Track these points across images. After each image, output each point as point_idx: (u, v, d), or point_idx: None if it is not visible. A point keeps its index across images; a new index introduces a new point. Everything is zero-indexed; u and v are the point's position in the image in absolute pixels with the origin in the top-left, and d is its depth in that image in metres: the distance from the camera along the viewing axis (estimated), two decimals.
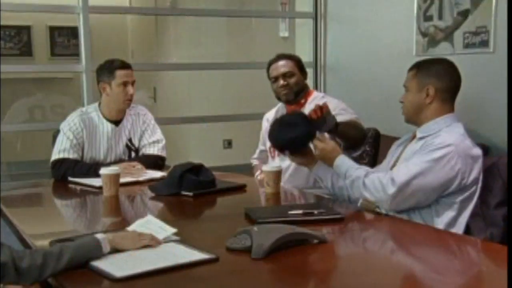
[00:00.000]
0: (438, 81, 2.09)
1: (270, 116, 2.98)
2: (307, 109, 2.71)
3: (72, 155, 2.82)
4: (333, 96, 2.87)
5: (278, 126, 2.32)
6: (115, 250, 1.55)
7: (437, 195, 1.98)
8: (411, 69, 2.18)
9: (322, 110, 2.26)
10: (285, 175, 2.70)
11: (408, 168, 1.97)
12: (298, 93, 2.80)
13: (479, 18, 3.01)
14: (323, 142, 2.19)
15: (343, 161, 2.13)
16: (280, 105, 2.95)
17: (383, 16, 3.65)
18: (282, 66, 2.82)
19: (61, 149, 2.83)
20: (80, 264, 1.47)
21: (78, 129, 2.86)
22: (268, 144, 2.88)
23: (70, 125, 2.87)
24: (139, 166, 2.77)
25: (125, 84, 2.86)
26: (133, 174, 2.69)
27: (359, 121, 2.67)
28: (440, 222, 1.96)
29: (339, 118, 2.57)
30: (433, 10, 3.26)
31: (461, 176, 1.95)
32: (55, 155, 2.83)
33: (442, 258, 1.63)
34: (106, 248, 1.52)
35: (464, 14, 3.08)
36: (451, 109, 2.11)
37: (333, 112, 2.60)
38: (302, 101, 2.82)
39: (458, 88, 2.13)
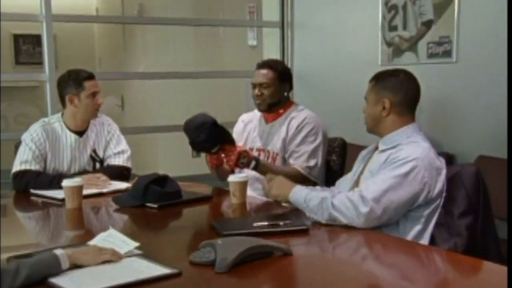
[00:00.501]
0: (393, 95, 2.09)
1: (246, 117, 2.97)
2: (285, 120, 2.77)
3: (34, 167, 2.76)
4: (309, 108, 2.87)
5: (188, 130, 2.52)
6: (75, 266, 1.52)
7: (406, 210, 1.97)
8: (371, 80, 2.18)
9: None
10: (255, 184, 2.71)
11: (376, 184, 1.96)
12: (273, 105, 2.79)
13: (442, 28, 3.07)
14: (269, 181, 2.18)
15: (299, 190, 2.07)
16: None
17: (349, 25, 3.68)
18: (261, 75, 2.79)
19: (23, 161, 2.76)
20: (38, 281, 1.43)
21: (41, 140, 2.80)
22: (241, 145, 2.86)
23: (32, 136, 2.81)
24: (103, 177, 2.72)
25: (94, 94, 2.82)
26: (98, 185, 2.64)
27: (304, 173, 2.67)
28: (407, 236, 1.96)
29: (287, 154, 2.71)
30: (398, 20, 3.30)
31: (428, 188, 1.96)
32: (16, 167, 2.77)
33: (409, 269, 1.63)
34: (65, 264, 1.48)
35: (428, 24, 3.13)
36: (410, 120, 2.11)
37: (295, 142, 2.72)
38: (281, 111, 2.81)
39: (416, 99, 2.14)
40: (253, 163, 2.56)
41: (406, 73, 2.16)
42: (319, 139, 2.74)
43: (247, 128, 2.92)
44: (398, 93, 2.09)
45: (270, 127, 2.82)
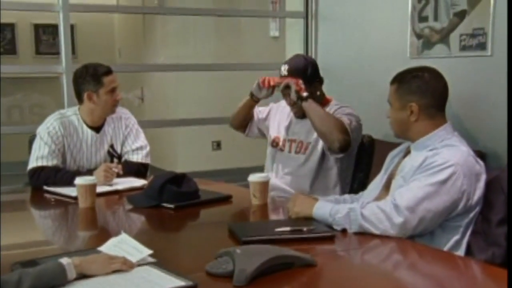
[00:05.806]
0: (420, 98, 1.94)
1: (275, 107, 2.90)
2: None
3: (51, 162, 2.65)
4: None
5: None
6: (83, 276, 1.41)
7: (442, 219, 1.84)
8: (392, 82, 2.02)
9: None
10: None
11: (411, 192, 1.81)
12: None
13: (476, 19, 2.89)
14: (291, 201, 2.02)
15: (322, 205, 1.91)
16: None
17: (376, 16, 3.52)
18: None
19: (39, 156, 2.65)
20: None
21: (58, 134, 2.69)
22: (275, 133, 2.78)
23: (48, 129, 2.70)
24: (117, 168, 2.62)
25: (113, 90, 2.71)
26: (108, 178, 2.54)
27: (344, 125, 2.51)
28: (443, 247, 1.82)
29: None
30: (429, 11, 3.13)
31: (467, 197, 1.82)
32: (32, 163, 2.66)
33: (444, 282, 1.49)
34: (71, 274, 1.38)
35: (461, 15, 2.96)
36: (442, 121, 1.97)
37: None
38: None
39: (445, 98, 1.99)
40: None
41: (431, 71, 2.00)
42: (356, 118, 2.63)
43: (277, 117, 2.84)
44: (425, 95, 1.94)
45: (301, 118, 2.70)
